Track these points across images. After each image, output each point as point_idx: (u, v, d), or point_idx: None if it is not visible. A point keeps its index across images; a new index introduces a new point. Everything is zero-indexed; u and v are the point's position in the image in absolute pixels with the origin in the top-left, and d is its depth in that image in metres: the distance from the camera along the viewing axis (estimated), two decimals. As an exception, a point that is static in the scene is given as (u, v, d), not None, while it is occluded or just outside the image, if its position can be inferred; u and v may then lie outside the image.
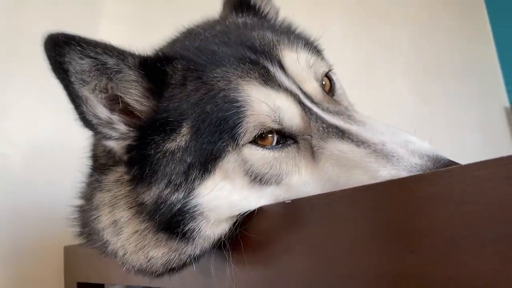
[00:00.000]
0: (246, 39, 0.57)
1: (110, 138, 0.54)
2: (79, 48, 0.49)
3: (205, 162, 0.51)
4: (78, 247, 0.76)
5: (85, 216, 0.62)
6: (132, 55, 0.54)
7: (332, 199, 0.41)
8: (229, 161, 0.52)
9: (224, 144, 0.51)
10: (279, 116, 0.53)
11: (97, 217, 0.57)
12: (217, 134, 0.51)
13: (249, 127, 0.52)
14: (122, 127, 0.54)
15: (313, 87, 0.58)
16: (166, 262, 0.53)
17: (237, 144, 0.52)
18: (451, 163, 0.47)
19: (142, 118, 0.54)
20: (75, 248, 0.97)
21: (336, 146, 0.54)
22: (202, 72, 0.53)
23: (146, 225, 0.53)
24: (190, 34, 0.64)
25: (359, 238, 0.37)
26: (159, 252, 0.52)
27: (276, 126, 0.54)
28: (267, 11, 0.72)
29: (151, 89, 0.54)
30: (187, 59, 0.54)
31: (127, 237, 0.54)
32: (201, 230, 0.51)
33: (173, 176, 0.51)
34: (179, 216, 0.51)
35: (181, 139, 0.51)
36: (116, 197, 0.55)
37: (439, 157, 0.48)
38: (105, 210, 0.56)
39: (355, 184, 0.47)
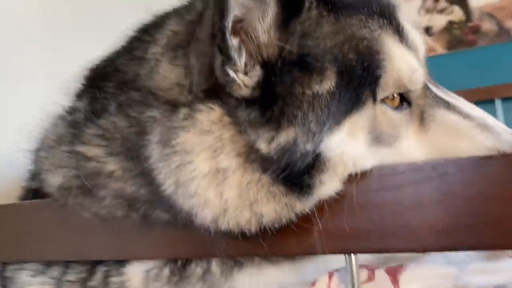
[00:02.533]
0: None
1: (235, 66, 0.47)
2: None
3: (342, 113, 0.48)
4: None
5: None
6: None
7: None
8: (362, 116, 0.50)
9: (365, 97, 0.49)
10: (414, 78, 0.53)
11: (188, 163, 0.48)
12: (360, 85, 0.49)
13: (389, 83, 0.51)
14: (246, 59, 0.48)
15: (422, 57, 0.58)
16: (273, 220, 0.47)
17: (375, 99, 0.50)
18: None
19: (267, 53, 0.48)
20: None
21: (446, 116, 0.55)
22: (341, 15, 0.50)
23: (259, 176, 0.47)
24: None
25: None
26: (270, 207, 0.47)
27: (410, 87, 0.53)
28: None
29: (283, 20, 0.48)
30: None
31: (235, 190, 0.47)
32: (325, 185, 0.48)
33: (312, 123, 0.46)
34: (307, 167, 0.47)
35: (327, 83, 0.47)
36: (220, 140, 0.47)
37: None
38: (203, 155, 0.47)
39: (461, 154, 0.50)
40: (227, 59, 0.46)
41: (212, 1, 0.45)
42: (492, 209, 0.43)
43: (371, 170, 0.47)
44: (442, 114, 0.55)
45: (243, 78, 0.47)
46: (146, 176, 0.51)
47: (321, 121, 0.46)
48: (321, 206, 0.48)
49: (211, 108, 0.48)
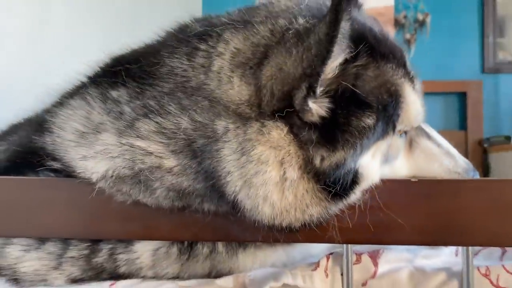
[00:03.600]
0: (391, 37, 0.67)
1: (315, 99, 0.56)
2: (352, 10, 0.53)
3: (375, 140, 0.60)
4: None
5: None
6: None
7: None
8: (383, 143, 0.63)
9: (389, 130, 0.62)
10: (419, 118, 0.68)
11: (263, 172, 0.57)
12: (389, 120, 0.61)
13: (404, 120, 0.64)
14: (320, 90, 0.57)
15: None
16: (316, 219, 0.59)
17: (393, 131, 0.63)
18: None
19: (330, 88, 0.58)
20: None
21: (426, 144, 0.73)
22: (381, 62, 0.61)
23: (312, 185, 0.57)
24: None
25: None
26: (316, 210, 0.58)
27: (414, 124, 0.69)
28: None
29: (344, 62, 0.57)
30: (370, 44, 0.60)
31: (295, 195, 0.57)
32: (355, 194, 0.60)
33: (358, 148, 0.57)
34: (347, 180, 0.58)
35: (372, 117, 0.58)
36: (289, 155, 0.57)
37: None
38: (274, 166, 0.57)
39: (433, 173, 0.71)
40: (313, 93, 0.55)
41: (314, 43, 0.54)
42: (446, 218, 0.63)
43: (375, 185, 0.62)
44: (424, 142, 0.73)
45: (316, 108, 0.57)
46: (208, 174, 0.59)
47: (365, 146, 0.59)
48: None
49: (279, 126, 0.57)
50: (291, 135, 0.58)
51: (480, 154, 3.51)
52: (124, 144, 0.62)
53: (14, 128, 0.92)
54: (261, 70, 0.59)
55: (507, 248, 0.79)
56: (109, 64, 0.72)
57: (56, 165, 0.68)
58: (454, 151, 0.75)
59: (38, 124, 0.76)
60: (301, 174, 0.58)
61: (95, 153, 0.64)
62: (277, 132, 0.57)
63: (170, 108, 0.61)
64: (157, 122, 0.61)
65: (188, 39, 0.65)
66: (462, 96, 3.77)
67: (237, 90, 0.59)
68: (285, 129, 0.58)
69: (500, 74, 3.75)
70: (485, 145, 3.55)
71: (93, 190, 0.64)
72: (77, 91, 0.72)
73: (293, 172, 0.57)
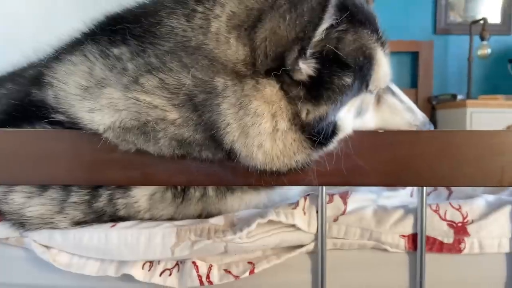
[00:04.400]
0: (366, 5, 0.74)
1: (306, 60, 0.63)
2: None
3: (351, 97, 0.69)
4: None
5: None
6: None
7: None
8: (357, 99, 0.72)
9: (363, 88, 0.71)
10: (387, 79, 0.77)
11: (258, 124, 0.64)
12: (364, 79, 0.70)
13: (375, 80, 0.72)
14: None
15: None
16: (301, 164, 0.68)
17: (367, 88, 0.72)
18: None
19: (315, 50, 0.65)
20: None
21: (391, 100, 0.84)
22: (358, 28, 0.68)
23: (299, 135, 0.66)
24: None
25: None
26: (301, 156, 0.67)
27: (382, 85, 0.77)
28: None
29: (329, 27, 0.64)
30: (350, 11, 0.67)
31: (284, 143, 0.66)
32: (333, 143, 0.69)
33: (338, 103, 0.66)
34: (328, 131, 0.67)
35: (351, 76, 0.66)
36: (280, 109, 0.64)
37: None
38: (267, 118, 0.64)
39: (396, 125, 0.82)
40: (304, 55, 0.63)
41: (307, 9, 0.61)
42: (406, 163, 0.74)
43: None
44: (389, 99, 0.84)
45: (305, 67, 0.64)
46: (207, 126, 0.66)
47: (343, 102, 0.68)
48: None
49: (272, 84, 0.65)
50: (282, 92, 0.66)
51: (429, 110, 3.76)
52: (130, 98, 0.68)
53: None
54: (255, 32, 0.65)
55: (452, 189, 0.93)
56: (107, 22, 0.76)
57: (60, 117, 0.73)
58: (414, 106, 0.86)
59: (34, 78, 0.79)
60: (290, 126, 0.66)
61: (101, 106, 0.69)
62: (270, 89, 0.65)
63: (172, 65, 0.67)
64: (160, 79, 0.67)
65: (185, 0, 0.70)
66: (414, 56, 3.95)
67: (234, 50, 0.66)
68: (277, 86, 0.65)
69: (450, 35, 3.95)
70: (434, 102, 3.79)
71: (98, 140, 0.70)
72: (75, 48, 0.76)
73: (283, 124, 0.66)
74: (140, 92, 0.68)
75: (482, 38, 3.64)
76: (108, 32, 0.73)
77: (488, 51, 3.64)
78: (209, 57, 0.66)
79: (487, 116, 3.25)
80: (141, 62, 0.68)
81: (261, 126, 0.65)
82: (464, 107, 3.31)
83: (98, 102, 0.70)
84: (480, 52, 3.66)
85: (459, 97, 3.56)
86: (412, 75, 3.96)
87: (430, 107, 3.79)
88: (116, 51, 0.71)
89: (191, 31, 0.68)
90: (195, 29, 0.68)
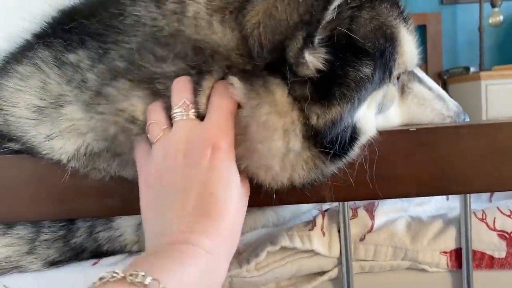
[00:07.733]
0: None
1: (314, 51, 0.49)
2: None
3: (371, 91, 0.55)
4: None
5: None
6: None
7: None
8: (380, 92, 0.57)
9: (386, 77, 0.56)
10: (415, 61, 0.63)
11: (270, 140, 0.51)
12: (386, 67, 0.55)
13: (400, 65, 0.58)
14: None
15: None
16: (311, 181, 0.55)
17: (390, 78, 0.58)
18: None
19: (324, 35, 0.51)
20: None
21: (419, 88, 0.68)
22: (375, 3, 0.54)
23: (311, 153, 0.53)
24: None
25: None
26: (311, 176, 0.54)
27: (409, 68, 0.63)
28: None
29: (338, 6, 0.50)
30: None
31: (295, 168, 0.53)
32: (354, 151, 0.55)
33: (356, 100, 0.52)
34: (345, 138, 0.53)
35: (371, 65, 0.52)
36: (292, 123, 0.51)
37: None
38: (279, 135, 0.51)
39: (424, 120, 0.67)
40: (311, 44, 0.48)
41: None
42: (444, 167, 0.60)
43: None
44: (416, 87, 0.67)
45: (313, 60, 0.50)
46: None
47: (362, 99, 0.53)
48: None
49: (280, 85, 0.50)
50: (291, 97, 0.51)
51: (440, 86, 3.58)
52: (94, 116, 0.54)
53: None
54: (244, 15, 0.51)
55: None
56: (59, 20, 0.62)
57: (14, 146, 0.59)
58: (444, 93, 0.71)
59: None
60: (303, 144, 0.52)
61: (60, 131, 0.56)
62: (282, 92, 0.51)
63: (144, 63, 0.52)
64: (131, 80, 0.53)
65: None
66: (421, 29, 3.76)
67: (220, 36, 0.51)
68: (286, 90, 0.51)
69: (458, 5, 3.75)
70: (445, 77, 3.61)
71: (64, 171, 0.57)
72: (24, 55, 0.61)
73: (297, 143, 0.52)
74: (105, 103, 0.54)
75: (493, 5, 3.43)
76: (62, 32, 0.59)
77: (500, 18, 3.43)
78: (189, 44, 0.52)
79: (504, 88, 3.06)
80: (104, 69, 0.54)
81: (273, 145, 0.51)
82: (478, 79, 3.12)
83: (57, 126, 0.56)
84: (491, 20, 3.45)
85: (472, 69, 3.38)
86: (420, 50, 3.78)
87: (442, 83, 3.61)
88: (72, 57, 0.57)
89: (162, 19, 0.53)
90: (167, 15, 0.53)
